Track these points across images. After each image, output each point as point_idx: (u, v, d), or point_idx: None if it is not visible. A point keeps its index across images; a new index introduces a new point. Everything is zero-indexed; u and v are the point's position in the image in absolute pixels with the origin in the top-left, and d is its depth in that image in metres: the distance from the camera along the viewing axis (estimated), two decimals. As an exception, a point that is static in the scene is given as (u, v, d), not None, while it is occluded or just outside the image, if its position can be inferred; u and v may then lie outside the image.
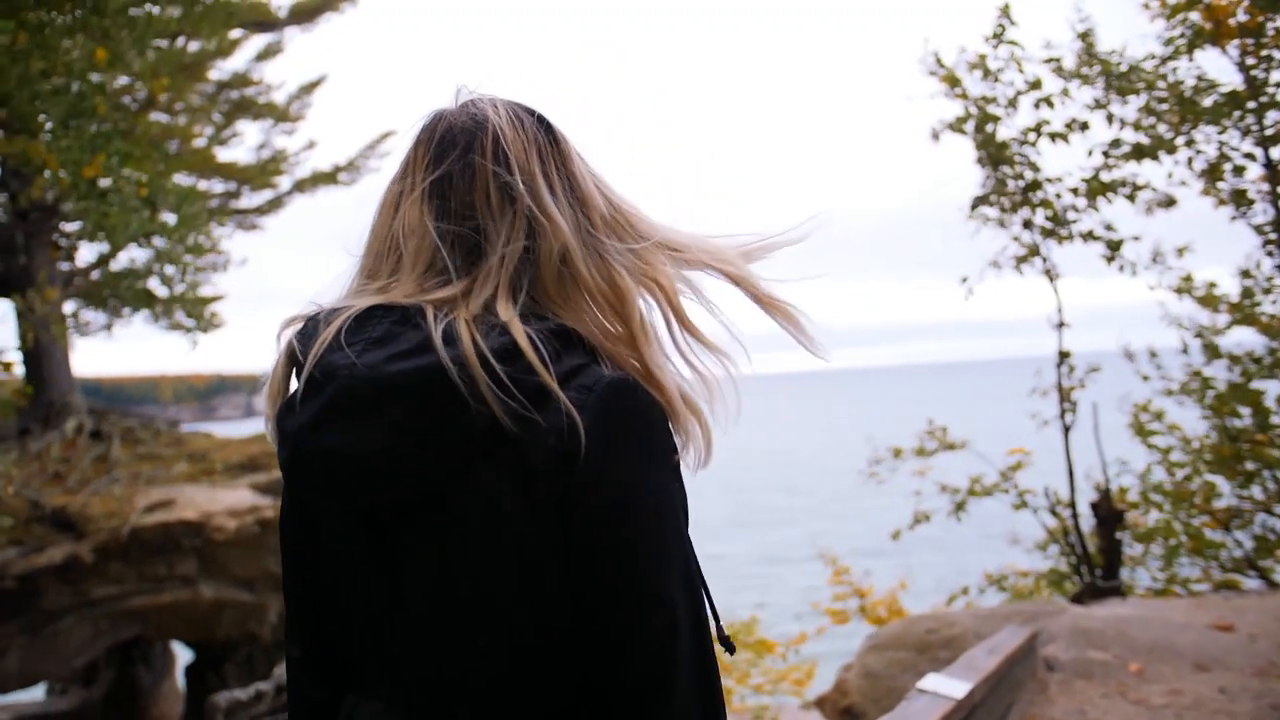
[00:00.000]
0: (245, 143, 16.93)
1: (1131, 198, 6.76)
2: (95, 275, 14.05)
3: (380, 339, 1.04)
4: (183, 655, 15.37)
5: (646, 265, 1.15)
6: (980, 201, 6.58)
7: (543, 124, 1.20)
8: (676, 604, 1.02)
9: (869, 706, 4.17)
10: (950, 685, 2.95)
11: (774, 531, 33.46)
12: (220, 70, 15.87)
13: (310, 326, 1.12)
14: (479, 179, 1.13)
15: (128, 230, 6.64)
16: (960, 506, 6.54)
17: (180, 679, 15.07)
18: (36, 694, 14.79)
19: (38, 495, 10.56)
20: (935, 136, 6.57)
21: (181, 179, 15.78)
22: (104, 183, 6.67)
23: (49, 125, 6.24)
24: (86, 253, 14.25)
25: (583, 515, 1.00)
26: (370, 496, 1.05)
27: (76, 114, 6.12)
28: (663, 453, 1.05)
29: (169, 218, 7.36)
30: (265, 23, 16.13)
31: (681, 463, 1.11)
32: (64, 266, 14.76)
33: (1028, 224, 6.53)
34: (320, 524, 1.14)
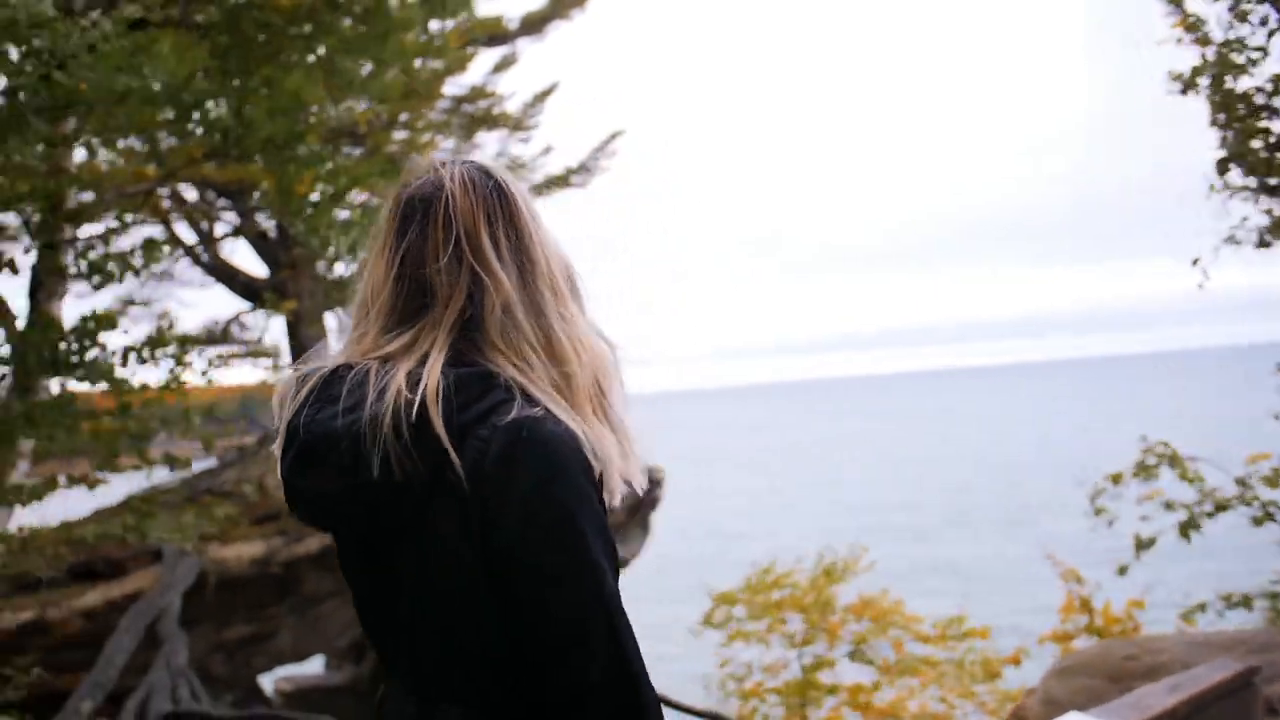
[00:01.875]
0: (486, 153, 17.71)
1: None
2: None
3: (334, 396, 1.23)
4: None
5: (574, 329, 1.31)
6: (1225, 166, 5.68)
7: (496, 188, 1.34)
8: (585, 623, 1.14)
9: (1048, 739, 3.68)
10: (1094, 729, 2.49)
11: (999, 535, 31.50)
12: (459, 85, 16.74)
13: (296, 386, 1.31)
14: (430, 241, 1.29)
15: (343, 244, 7.03)
16: (1189, 525, 5.59)
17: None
18: (316, 667, 16.25)
19: (298, 489, 11.51)
20: (1184, 89, 5.72)
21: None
22: (318, 199, 7.11)
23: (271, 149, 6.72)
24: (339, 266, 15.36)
25: (494, 544, 1.16)
26: (344, 529, 1.31)
27: (290, 139, 6.56)
28: (568, 483, 1.17)
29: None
30: (497, 37, 16.84)
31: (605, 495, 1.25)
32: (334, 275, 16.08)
33: (1272, 189, 5.56)
34: (340, 549, 1.37)
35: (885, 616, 7.44)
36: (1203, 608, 6.01)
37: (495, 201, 1.32)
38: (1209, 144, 5.66)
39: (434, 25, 11.17)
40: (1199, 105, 5.69)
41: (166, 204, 14.12)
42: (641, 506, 15.11)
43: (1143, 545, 5.80)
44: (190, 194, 14.02)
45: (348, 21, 6.93)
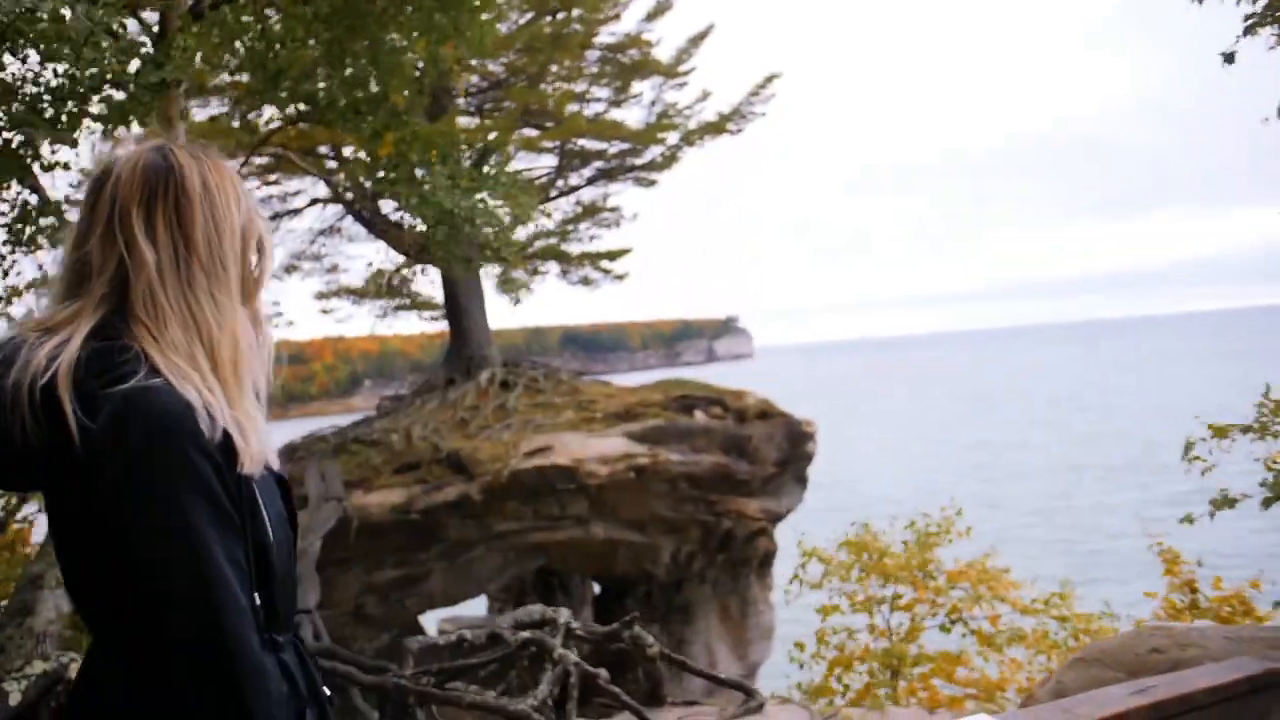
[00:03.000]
0: (642, 101, 17.48)
1: None
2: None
3: None
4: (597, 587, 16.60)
5: (223, 309, 1.38)
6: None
7: (166, 170, 1.38)
8: (172, 581, 1.21)
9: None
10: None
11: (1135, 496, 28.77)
12: (613, 34, 16.54)
13: None
14: (94, 219, 1.37)
15: (438, 206, 7.02)
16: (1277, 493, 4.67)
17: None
18: (480, 609, 16.86)
19: (439, 439, 11.85)
20: None
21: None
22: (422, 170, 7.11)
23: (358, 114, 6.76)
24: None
25: (100, 504, 1.24)
26: (13, 490, 1.69)
27: (373, 102, 6.58)
28: (171, 449, 1.23)
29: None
30: (650, -18, 16.50)
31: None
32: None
33: None
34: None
35: (987, 582, 6.84)
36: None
37: (160, 184, 1.37)
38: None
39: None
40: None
41: (332, 163, 14.76)
42: (793, 460, 14.75)
43: (1221, 504, 4.94)
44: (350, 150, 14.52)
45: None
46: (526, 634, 4.23)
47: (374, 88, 6.88)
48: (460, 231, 7.42)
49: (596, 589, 16.08)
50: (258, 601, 1.31)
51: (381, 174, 7.06)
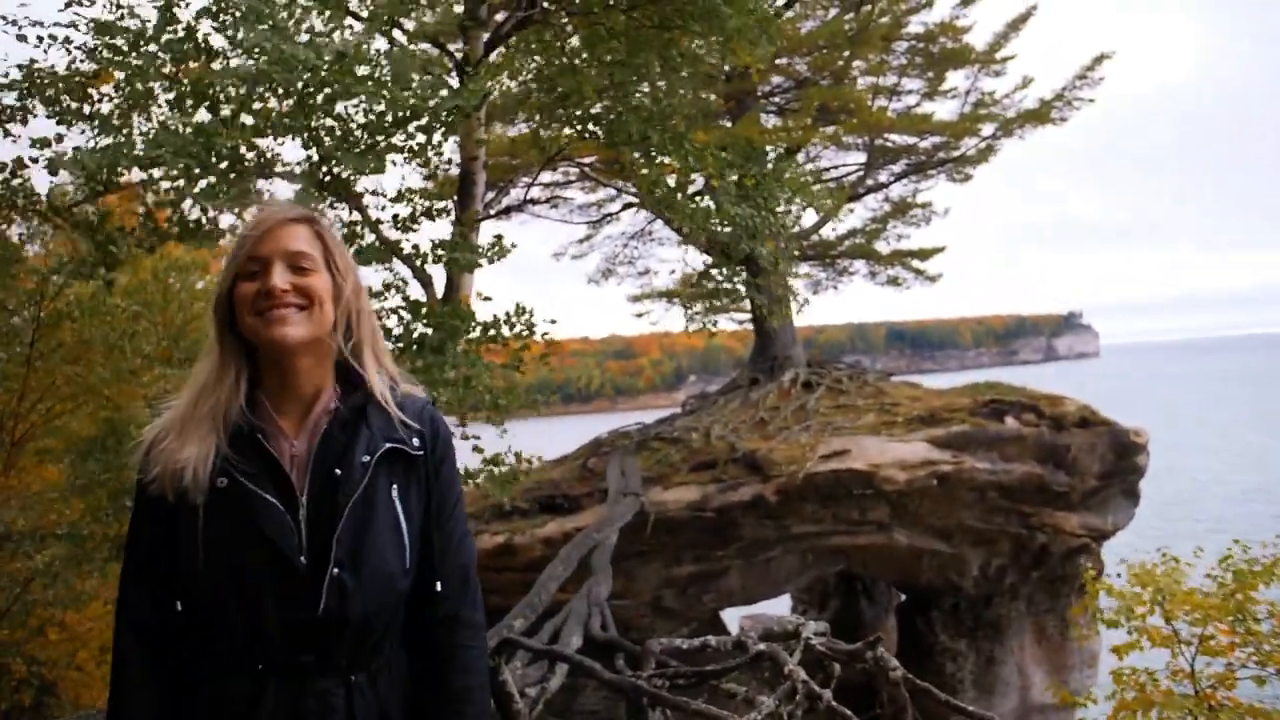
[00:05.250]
0: (957, 91, 16.69)
1: None
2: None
3: None
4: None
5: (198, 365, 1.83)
6: None
7: None
8: None
9: None
10: None
11: None
12: (923, 23, 15.95)
13: None
14: None
15: (725, 215, 7.16)
16: None
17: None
18: (783, 609, 16.92)
19: (737, 439, 12.06)
20: None
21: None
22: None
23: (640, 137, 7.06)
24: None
25: None
26: None
27: (653, 124, 6.83)
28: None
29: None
30: (964, -34, 15.77)
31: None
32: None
33: None
34: None
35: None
36: None
37: None
38: None
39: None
40: None
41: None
42: (1120, 473, 13.52)
43: None
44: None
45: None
46: (762, 646, 4.26)
47: (660, 93, 7.15)
48: (740, 242, 7.51)
49: (902, 597, 15.64)
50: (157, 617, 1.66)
51: (664, 192, 7.30)
